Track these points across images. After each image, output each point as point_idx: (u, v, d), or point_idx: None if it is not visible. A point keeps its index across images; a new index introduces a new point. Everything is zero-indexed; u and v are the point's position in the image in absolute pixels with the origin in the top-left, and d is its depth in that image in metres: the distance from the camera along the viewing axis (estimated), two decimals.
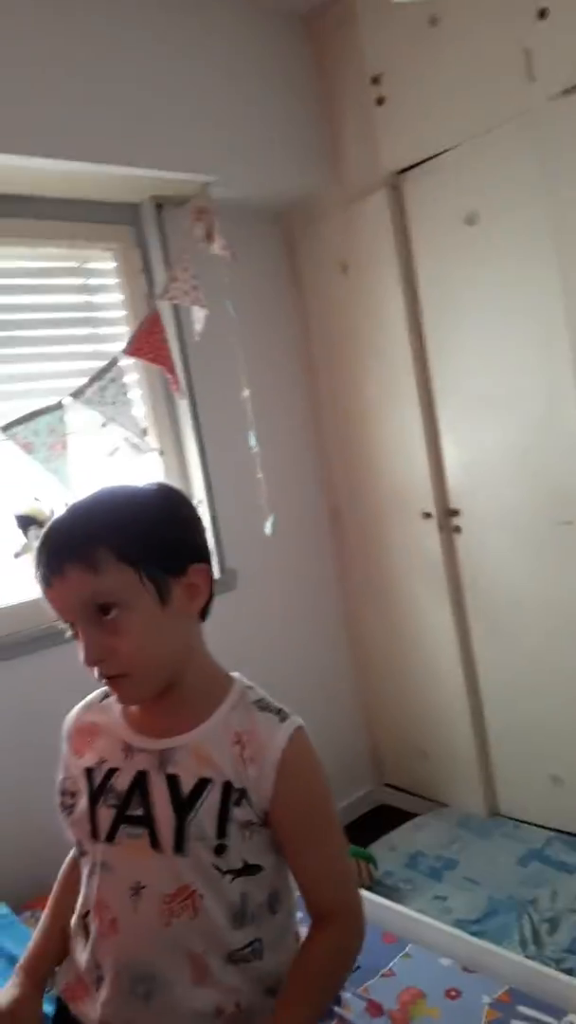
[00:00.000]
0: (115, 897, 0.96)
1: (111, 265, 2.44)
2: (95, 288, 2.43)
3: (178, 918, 0.93)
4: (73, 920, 1.05)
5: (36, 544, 0.96)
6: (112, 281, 2.45)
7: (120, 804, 0.98)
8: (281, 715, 1.00)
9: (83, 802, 1.01)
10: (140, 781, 0.97)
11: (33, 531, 2.20)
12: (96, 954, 0.98)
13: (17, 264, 2.27)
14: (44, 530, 0.96)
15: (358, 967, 1.36)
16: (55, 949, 1.09)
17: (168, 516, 0.99)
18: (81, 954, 1.02)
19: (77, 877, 1.06)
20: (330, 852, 1.02)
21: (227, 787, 0.95)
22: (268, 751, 0.96)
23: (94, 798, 1.00)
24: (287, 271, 2.86)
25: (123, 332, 2.41)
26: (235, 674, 1.07)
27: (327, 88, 2.59)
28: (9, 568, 2.17)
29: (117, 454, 2.38)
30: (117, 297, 2.45)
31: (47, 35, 1.97)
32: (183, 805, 0.95)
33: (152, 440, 2.46)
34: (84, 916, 1.01)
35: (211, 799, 0.95)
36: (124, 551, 0.93)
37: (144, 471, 2.47)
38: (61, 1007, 1.08)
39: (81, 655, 0.94)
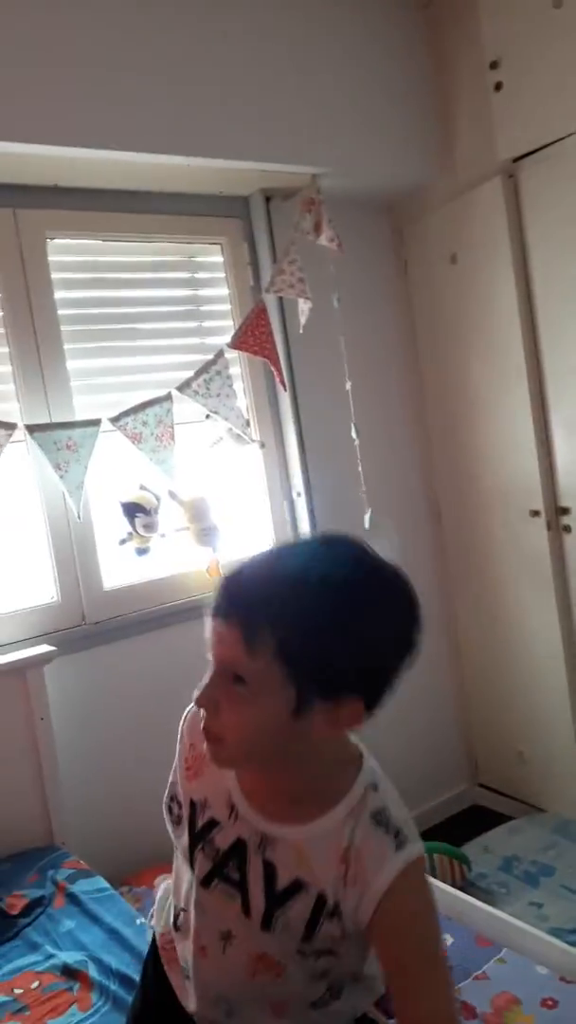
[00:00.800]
0: (206, 933, 0.96)
1: (218, 259, 2.48)
2: (202, 282, 2.48)
3: (262, 977, 0.93)
4: (173, 902, 1.05)
5: (232, 568, 0.88)
6: (219, 275, 2.49)
7: (218, 861, 0.94)
8: (398, 839, 0.87)
9: (184, 833, 0.98)
10: (239, 848, 0.92)
11: (139, 518, 2.28)
12: (186, 953, 1.00)
13: (132, 259, 2.34)
14: (250, 560, 0.87)
15: (451, 966, 1.35)
16: None
17: (357, 630, 0.82)
18: (175, 933, 1.04)
19: None
20: (429, 982, 0.86)
21: (321, 899, 0.88)
22: (374, 882, 0.85)
23: (194, 838, 0.96)
24: (394, 262, 2.83)
25: (228, 325, 2.45)
26: (366, 763, 0.94)
27: (442, 74, 2.54)
28: (116, 553, 2.25)
29: (220, 445, 2.43)
30: (223, 291, 2.49)
31: (156, 34, 2.01)
32: (275, 898, 0.90)
33: (254, 432, 2.49)
34: (183, 911, 1.01)
35: (302, 904, 0.88)
36: (286, 650, 0.81)
37: (246, 462, 2.51)
38: (155, 950, 1.12)
39: (198, 689, 0.87)
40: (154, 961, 1.13)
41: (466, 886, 2.27)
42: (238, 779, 0.94)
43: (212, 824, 0.94)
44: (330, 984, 0.95)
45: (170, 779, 1.04)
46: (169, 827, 1.02)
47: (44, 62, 1.84)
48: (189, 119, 2.05)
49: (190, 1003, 1.00)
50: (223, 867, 0.93)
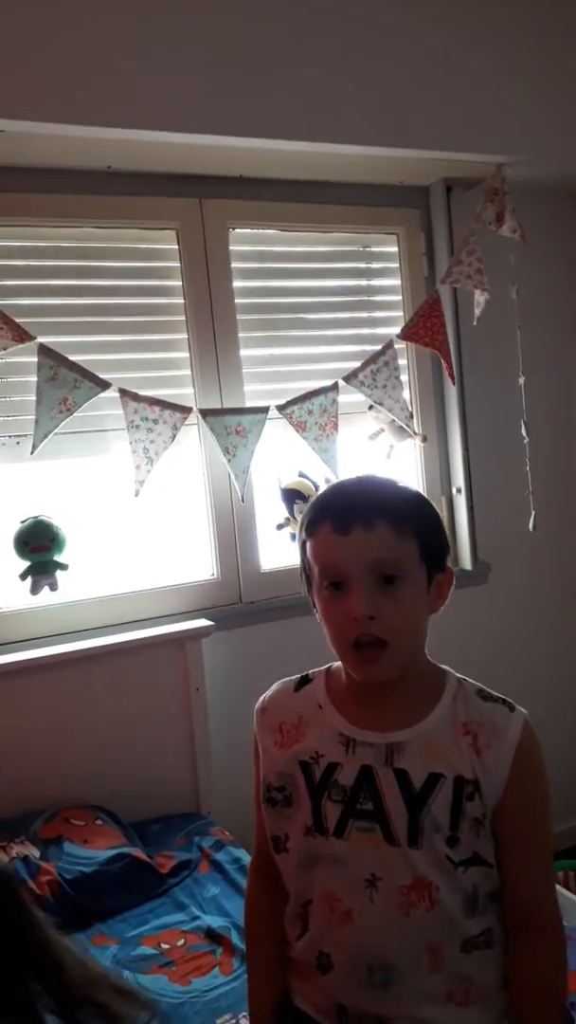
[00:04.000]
0: (348, 889, 0.96)
1: (393, 249, 2.46)
2: (375, 272, 2.46)
3: (416, 908, 0.94)
4: (287, 909, 1.04)
5: (329, 495, 1.00)
6: (392, 265, 2.47)
7: (347, 799, 0.96)
8: (508, 704, 1.00)
9: (302, 796, 0.99)
10: (366, 775, 0.96)
11: (298, 505, 2.31)
12: (321, 943, 0.99)
13: (307, 248, 2.36)
14: (343, 483, 1.01)
15: None
16: (278, 986, 1.05)
17: (441, 524, 1.04)
18: (296, 942, 1.03)
19: (269, 907, 1.06)
20: (545, 854, 1.00)
21: (459, 781, 0.94)
22: (505, 739, 0.96)
23: (316, 793, 0.98)
24: None
25: (398, 316, 2.43)
26: (445, 667, 1.06)
27: None
28: (273, 537, 2.30)
29: (380, 437, 2.42)
30: (395, 281, 2.47)
31: (335, 23, 2.00)
32: (415, 799, 0.94)
33: (416, 425, 2.46)
34: (304, 905, 1.01)
35: (443, 794, 0.94)
36: (422, 532, 0.97)
37: (406, 455, 2.48)
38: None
39: (355, 609, 0.93)
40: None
41: None
42: (342, 713, 1.00)
43: (332, 768, 0.98)
44: (481, 921, 0.97)
45: (257, 779, 1.05)
46: (270, 816, 1.02)
47: (232, 58, 1.89)
48: (376, 110, 2.04)
49: (341, 994, 0.98)
50: (355, 803, 0.96)
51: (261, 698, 1.09)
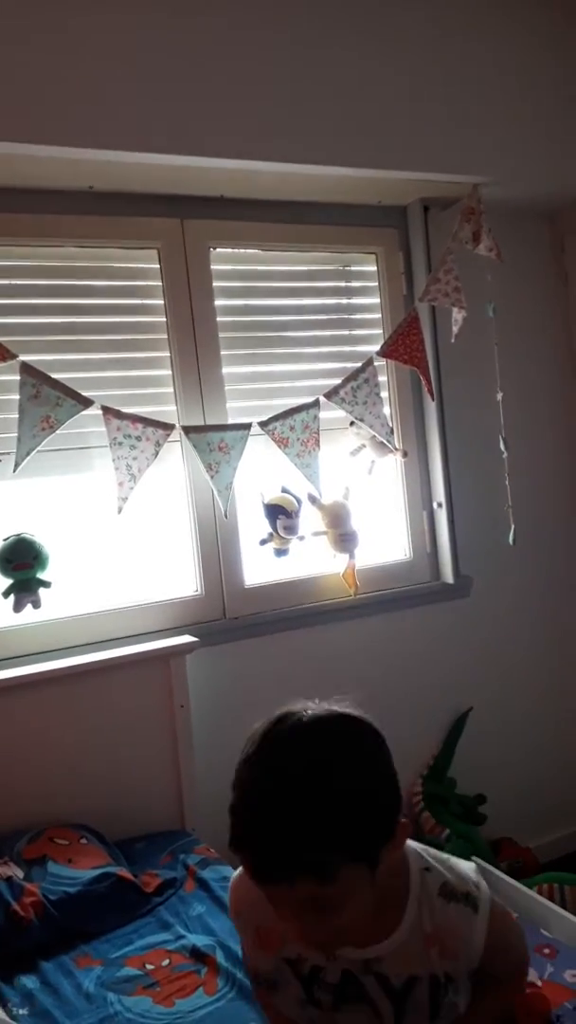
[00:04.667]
0: None
1: (372, 268, 2.49)
2: (355, 291, 2.50)
3: None
4: None
5: (243, 820, 0.89)
6: (371, 284, 2.50)
7: (335, 994, 1.02)
8: (470, 902, 0.99)
9: (293, 985, 1.05)
10: (349, 976, 1.01)
11: (280, 520, 2.32)
12: None
13: (287, 268, 2.39)
14: (257, 820, 0.88)
15: None
16: None
17: (381, 777, 0.92)
18: None
19: None
20: (522, 971, 1.12)
21: (434, 980, 1.00)
22: (470, 947, 0.98)
23: (307, 982, 1.03)
24: (554, 273, 2.74)
25: (378, 334, 2.46)
26: (408, 852, 1.02)
27: None
28: (256, 553, 2.31)
29: (361, 453, 2.45)
30: (375, 300, 2.50)
31: (314, 45, 2.04)
32: (398, 995, 1.00)
33: (397, 441, 2.49)
34: None
35: (422, 991, 1.00)
36: (359, 851, 0.87)
37: (387, 471, 2.51)
38: None
39: (302, 937, 0.93)
40: None
41: None
42: None
43: (317, 969, 1.03)
44: None
45: (247, 963, 1.14)
46: (262, 994, 1.11)
47: (213, 79, 1.92)
48: (354, 131, 2.08)
49: None
50: (344, 992, 1.02)
51: (231, 894, 1.10)
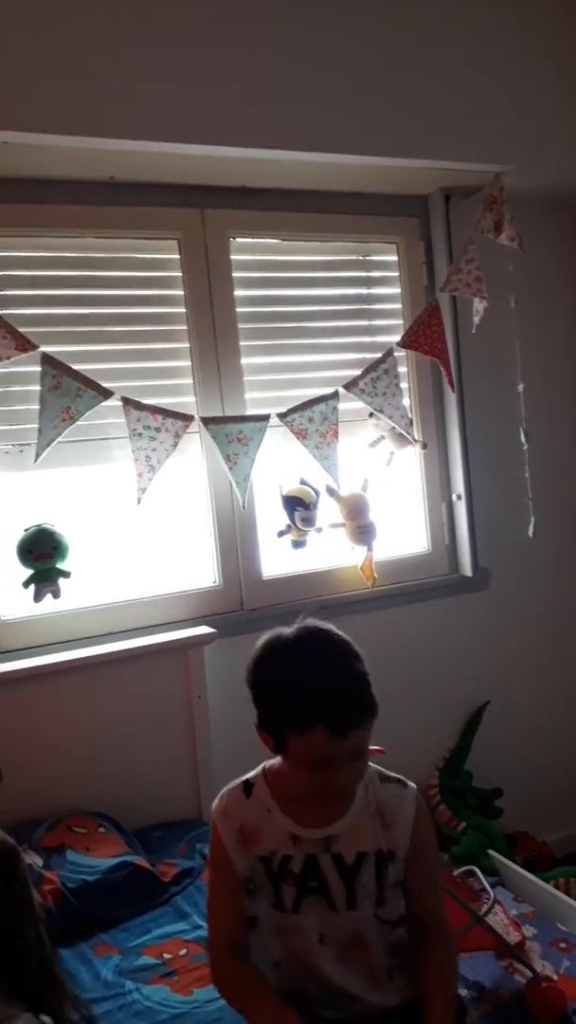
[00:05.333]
0: (304, 947, 1.21)
1: (393, 258, 2.47)
2: (375, 280, 2.48)
3: (354, 955, 1.21)
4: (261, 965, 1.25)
5: (315, 691, 1.10)
6: (392, 274, 2.48)
7: (299, 883, 1.20)
8: (401, 783, 1.25)
9: (265, 882, 1.22)
10: (311, 862, 1.20)
11: (299, 512, 2.32)
12: (292, 984, 1.23)
13: (307, 258, 2.38)
14: (322, 673, 1.12)
15: None
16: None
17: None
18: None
19: (240, 975, 1.22)
20: (438, 882, 1.32)
21: (379, 854, 1.20)
22: (403, 817, 1.22)
23: (275, 880, 1.21)
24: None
25: (398, 324, 2.44)
26: None
27: None
28: (274, 544, 2.31)
29: (380, 444, 2.43)
30: (395, 290, 2.48)
31: (339, 37, 2.02)
32: (349, 873, 1.20)
33: (416, 432, 2.47)
34: (275, 964, 1.24)
35: (369, 866, 1.20)
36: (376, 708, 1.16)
37: (406, 462, 2.50)
38: None
39: (339, 786, 1.14)
40: None
41: None
42: (288, 815, 1.21)
43: (286, 860, 1.21)
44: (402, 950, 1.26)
45: (216, 877, 1.26)
46: (249, 904, 1.22)
47: (234, 69, 1.90)
48: (375, 120, 2.06)
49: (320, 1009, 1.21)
50: (304, 884, 1.20)
51: (219, 801, 1.26)
